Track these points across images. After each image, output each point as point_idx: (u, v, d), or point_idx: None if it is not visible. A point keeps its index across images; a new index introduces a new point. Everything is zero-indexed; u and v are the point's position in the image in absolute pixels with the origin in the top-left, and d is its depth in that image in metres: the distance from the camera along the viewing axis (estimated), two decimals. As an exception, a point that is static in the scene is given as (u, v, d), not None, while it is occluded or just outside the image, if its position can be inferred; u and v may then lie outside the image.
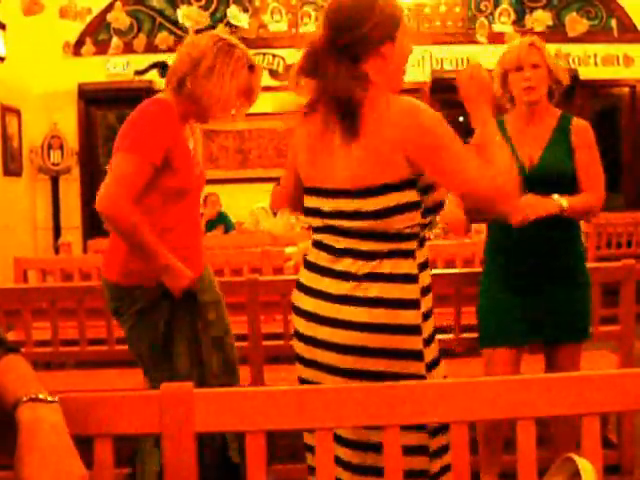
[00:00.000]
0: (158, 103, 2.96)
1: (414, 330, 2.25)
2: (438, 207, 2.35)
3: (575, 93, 9.79)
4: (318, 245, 2.38)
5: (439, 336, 3.57)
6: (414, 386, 1.59)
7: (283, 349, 3.66)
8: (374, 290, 2.22)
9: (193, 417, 1.52)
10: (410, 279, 2.26)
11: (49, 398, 1.34)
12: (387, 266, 2.24)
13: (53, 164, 9.27)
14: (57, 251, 8.36)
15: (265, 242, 6.53)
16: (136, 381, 3.61)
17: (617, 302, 3.59)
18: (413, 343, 2.24)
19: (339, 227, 2.30)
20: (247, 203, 8.37)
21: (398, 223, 2.23)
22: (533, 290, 3.17)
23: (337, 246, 2.30)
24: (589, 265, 3.38)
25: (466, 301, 3.64)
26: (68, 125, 9.43)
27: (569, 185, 3.15)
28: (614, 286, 3.55)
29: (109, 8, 8.53)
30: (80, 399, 1.52)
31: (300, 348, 2.38)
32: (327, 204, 2.32)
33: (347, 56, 2.26)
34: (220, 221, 8.36)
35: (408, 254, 2.27)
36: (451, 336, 3.66)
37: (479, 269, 3.55)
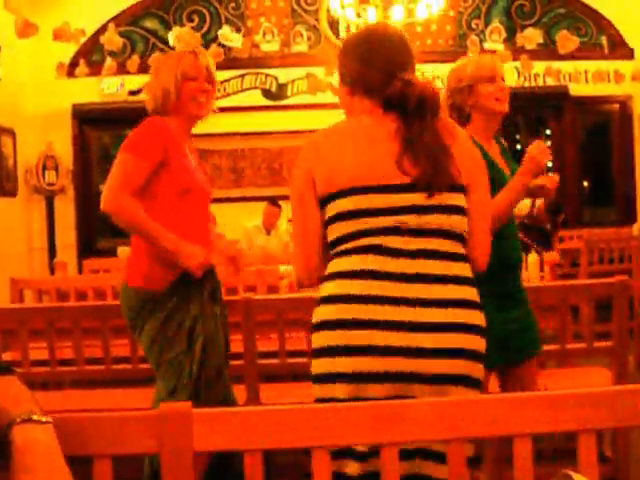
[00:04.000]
0: (150, 119, 3.17)
1: (486, 332, 2.29)
2: None
3: (566, 109, 9.85)
4: (375, 249, 2.22)
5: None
6: (412, 405, 1.59)
7: (278, 367, 3.66)
8: (451, 292, 2.22)
9: (192, 436, 1.52)
10: (473, 283, 2.30)
11: (43, 419, 1.33)
12: (464, 269, 2.28)
13: (48, 184, 9.27)
14: (53, 271, 8.35)
15: (259, 261, 6.54)
16: (134, 400, 3.61)
17: (609, 318, 3.60)
18: (485, 344, 2.29)
19: (411, 225, 2.23)
20: (241, 222, 8.37)
21: (464, 224, 2.30)
22: (504, 307, 3.13)
23: (407, 247, 2.22)
24: (583, 282, 3.39)
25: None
26: (63, 145, 9.44)
27: None
28: (606, 302, 3.56)
29: (102, 30, 8.55)
30: (79, 419, 1.52)
31: (391, 364, 2.17)
32: (400, 199, 2.24)
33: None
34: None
35: (467, 258, 2.32)
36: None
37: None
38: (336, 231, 2.28)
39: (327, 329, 2.24)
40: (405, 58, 2.44)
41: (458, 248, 2.27)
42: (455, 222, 2.26)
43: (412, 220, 2.23)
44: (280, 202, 8.11)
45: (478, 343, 2.23)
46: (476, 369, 2.23)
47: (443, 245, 2.24)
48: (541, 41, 8.73)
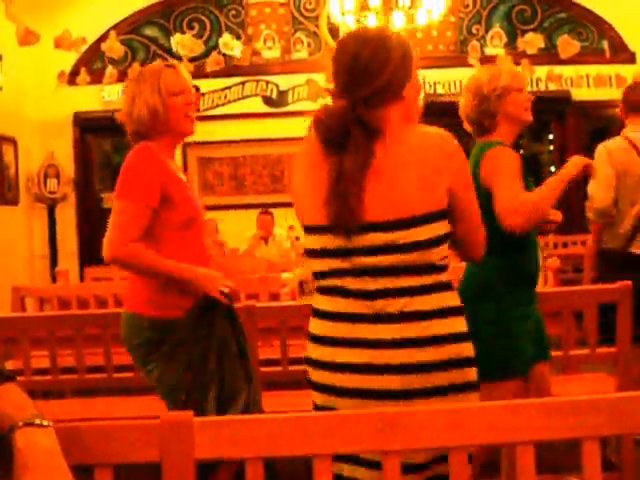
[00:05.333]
0: (140, 148, 3.01)
1: (471, 363, 2.20)
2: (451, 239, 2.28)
3: (568, 114, 9.84)
4: (335, 291, 2.22)
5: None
6: (416, 412, 1.59)
7: (281, 375, 3.65)
8: (422, 328, 2.12)
9: (193, 445, 1.51)
10: (458, 311, 2.21)
11: (44, 422, 1.35)
12: (432, 301, 2.15)
13: (50, 192, 9.28)
14: (54, 279, 8.35)
15: (262, 268, 6.54)
16: (135, 409, 3.61)
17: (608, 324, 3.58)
18: (472, 374, 2.19)
19: (366, 265, 2.16)
20: (243, 229, 8.37)
21: (433, 255, 2.14)
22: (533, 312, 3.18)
23: (365, 288, 2.16)
24: (585, 287, 3.39)
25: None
26: (64, 153, 9.45)
27: None
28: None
29: (103, 37, 8.57)
30: (80, 428, 1.52)
31: (346, 404, 2.17)
32: (354, 240, 2.16)
33: (368, 109, 2.18)
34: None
35: (449, 286, 2.21)
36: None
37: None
38: (309, 266, 2.32)
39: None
40: (357, 77, 2.21)
41: (425, 280, 2.15)
42: (416, 257, 2.13)
43: (368, 260, 2.16)
44: (272, 210, 8.13)
45: (413, 382, 2.13)
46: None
47: (405, 281, 2.15)
48: (542, 46, 8.71)
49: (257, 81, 9.55)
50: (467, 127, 3.32)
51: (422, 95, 2.46)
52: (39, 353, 3.87)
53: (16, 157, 8.91)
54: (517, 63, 8.19)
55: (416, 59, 2.33)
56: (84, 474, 1.51)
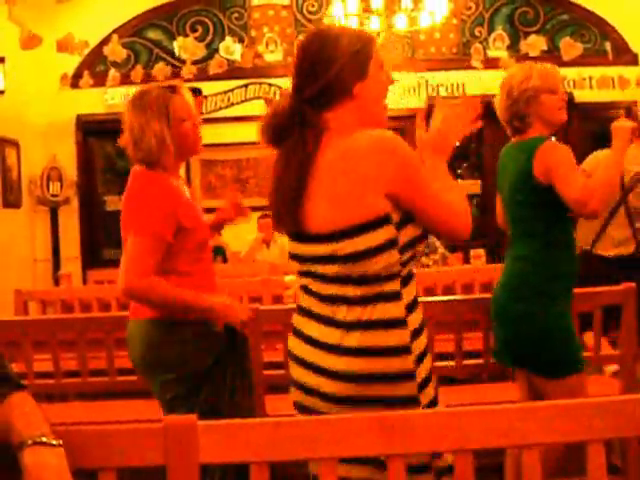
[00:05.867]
0: (152, 178, 2.97)
1: (407, 377, 2.14)
2: (417, 241, 2.21)
3: (571, 116, 9.83)
4: (305, 289, 2.29)
5: (440, 363, 3.59)
6: (419, 415, 1.58)
7: (285, 378, 3.64)
8: (362, 338, 2.11)
9: (197, 449, 1.51)
10: (398, 324, 2.14)
11: (54, 442, 1.35)
12: (373, 312, 2.12)
13: (52, 195, 9.28)
14: (57, 282, 8.35)
15: (264, 271, 6.53)
16: (139, 412, 3.61)
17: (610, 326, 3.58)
18: (407, 389, 2.14)
19: (317, 273, 2.20)
20: (245, 232, 8.36)
21: (375, 264, 2.10)
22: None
23: (321, 292, 2.20)
24: (591, 289, 3.38)
25: (466, 328, 3.63)
26: (67, 156, 9.45)
27: None
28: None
29: (106, 41, 8.58)
30: (84, 432, 1.52)
31: (296, 395, 2.29)
32: (304, 249, 2.22)
33: (314, 108, 2.17)
34: (219, 252, 8.33)
35: (393, 296, 2.15)
36: (452, 363, 3.64)
37: (478, 295, 3.54)
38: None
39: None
40: (303, 77, 2.21)
41: (367, 290, 2.13)
42: (356, 267, 2.12)
43: (315, 268, 2.21)
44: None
45: (359, 389, 2.13)
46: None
47: (349, 290, 2.15)
48: (545, 48, 8.71)
49: (260, 84, 9.55)
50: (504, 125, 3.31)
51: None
52: (42, 356, 3.87)
53: (19, 160, 8.91)
54: (519, 65, 8.19)
55: (382, 59, 2.26)
56: (88, 478, 1.51)
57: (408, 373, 2.14)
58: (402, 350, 2.14)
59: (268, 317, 3.59)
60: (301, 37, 2.33)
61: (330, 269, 2.16)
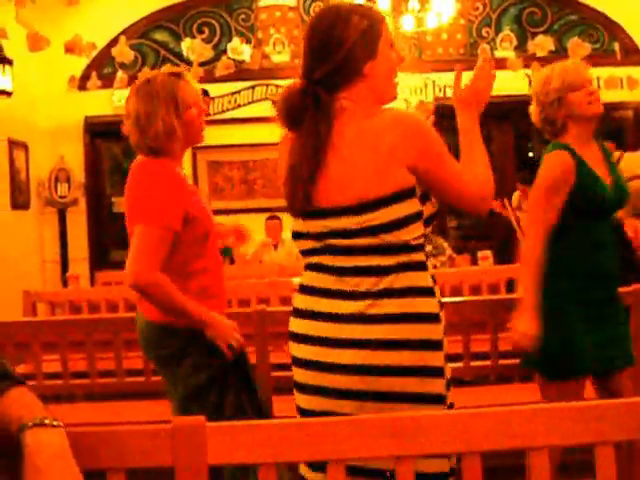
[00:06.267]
0: (158, 167, 2.93)
1: (437, 345, 2.16)
2: (434, 217, 2.26)
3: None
4: (316, 267, 2.27)
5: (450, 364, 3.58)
6: (428, 417, 1.58)
7: (292, 380, 3.64)
8: (393, 306, 2.12)
9: (206, 450, 1.51)
10: (428, 292, 2.17)
11: (54, 423, 1.35)
12: (403, 280, 2.14)
13: (60, 197, 9.30)
14: (65, 284, 8.37)
15: (272, 272, 6.54)
16: (147, 413, 3.61)
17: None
18: (436, 359, 2.15)
19: (339, 246, 2.19)
20: (253, 234, 8.36)
21: (405, 234, 2.14)
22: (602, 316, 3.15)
23: (341, 265, 2.19)
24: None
25: (474, 329, 3.63)
26: (75, 158, 9.47)
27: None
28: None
29: (113, 42, 8.59)
30: (92, 433, 1.52)
31: (304, 376, 2.27)
32: (323, 224, 2.21)
33: (326, 89, 2.19)
34: (226, 254, 8.32)
35: (421, 266, 2.18)
36: (460, 364, 3.64)
37: (486, 297, 3.53)
38: (296, 246, 2.39)
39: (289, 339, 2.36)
40: (313, 57, 2.24)
41: (396, 259, 2.15)
42: (384, 239, 2.14)
43: (338, 242, 2.20)
44: (281, 214, 8.08)
45: (384, 358, 2.12)
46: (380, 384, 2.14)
47: (376, 260, 2.16)
48: (552, 48, 8.68)
49: (267, 85, 9.55)
50: None
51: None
52: (50, 357, 3.88)
53: (27, 162, 8.93)
54: (527, 66, 8.18)
55: (391, 37, 2.28)
56: (96, 479, 1.52)
57: (438, 342, 2.17)
58: (434, 318, 2.17)
59: (275, 319, 3.59)
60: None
61: (357, 241, 2.16)
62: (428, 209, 2.21)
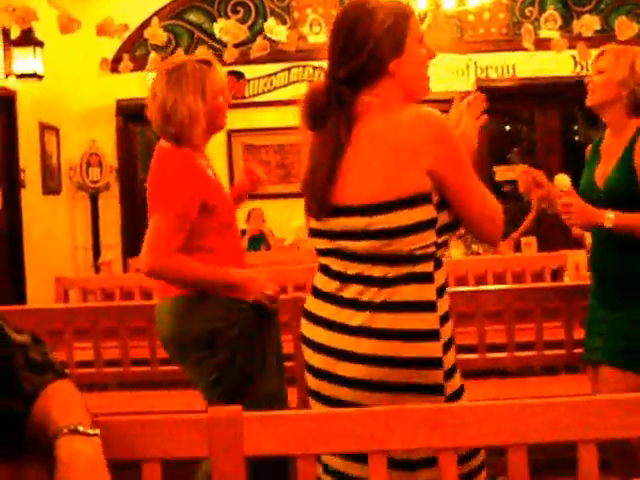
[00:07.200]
0: (178, 156, 2.98)
1: (435, 363, 2.12)
2: (454, 226, 2.21)
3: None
4: (324, 270, 2.26)
5: (490, 355, 3.56)
6: (468, 408, 1.57)
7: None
8: (390, 321, 2.10)
9: (242, 440, 1.51)
10: (428, 307, 2.13)
11: (90, 431, 1.33)
12: (403, 293, 2.11)
13: (92, 182, 9.35)
14: (97, 270, 8.43)
15: (309, 259, 6.52)
16: (180, 403, 3.62)
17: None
18: (434, 377, 2.12)
19: (346, 250, 2.18)
20: (289, 219, 8.36)
21: (410, 243, 2.09)
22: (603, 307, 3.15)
23: (345, 271, 2.18)
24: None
25: (517, 318, 3.60)
26: (107, 142, 9.52)
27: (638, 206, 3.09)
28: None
29: (146, 24, 8.61)
30: (127, 422, 1.53)
31: (312, 383, 2.26)
32: (335, 223, 2.20)
33: (351, 89, 2.16)
34: (260, 240, 8.32)
35: (425, 278, 2.14)
36: (504, 355, 3.61)
37: (529, 284, 3.50)
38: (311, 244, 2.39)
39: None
40: (337, 56, 2.21)
41: (398, 271, 2.12)
42: (389, 244, 2.11)
43: (346, 244, 2.18)
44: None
45: (380, 374, 2.11)
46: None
47: (378, 270, 2.13)
48: (599, 28, 8.56)
49: (304, 67, 9.53)
50: None
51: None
52: (83, 345, 3.90)
53: (58, 146, 9.00)
54: (572, 46, 8.09)
55: (420, 32, 2.24)
56: (131, 469, 1.52)
57: (436, 360, 2.13)
58: (431, 335, 2.12)
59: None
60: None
61: (361, 245, 2.14)
62: (444, 217, 2.16)
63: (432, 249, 2.14)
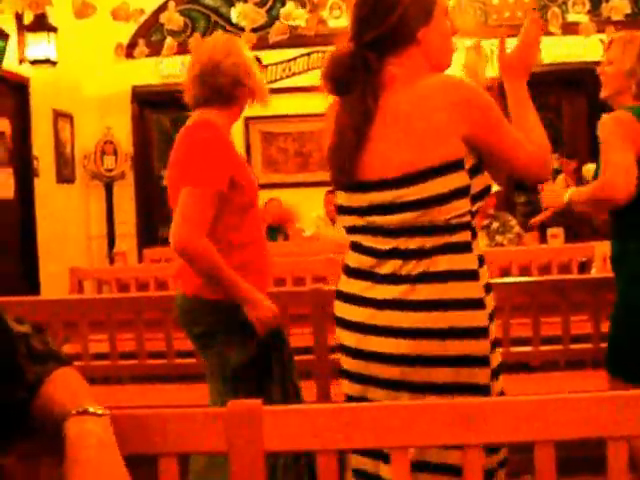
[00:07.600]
0: (208, 128, 2.98)
1: (481, 333, 2.11)
2: (485, 192, 2.20)
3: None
4: (357, 248, 2.26)
5: (515, 349, 3.55)
6: (495, 403, 1.56)
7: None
8: (431, 291, 2.09)
9: (261, 435, 1.51)
10: (471, 275, 2.12)
11: (99, 411, 1.33)
12: (443, 263, 2.10)
13: (107, 170, 9.37)
14: (112, 260, 8.46)
15: (329, 249, 6.51)
16: (196, 396, 3.63)
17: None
18: (480, 348, 2.11)
19: (379, 225, 2.18)
20: (308, 209, 8.35)
21: (446, 212, 2.09)
22: None
23: (380, 247, 2.17)
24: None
25: (543, 311, 3.58)
26: (122, 129, 9.53)
27: None
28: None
29: (162, 8, 8.61)
30: (143, 416, 1.53)
31: (348, 363, 2.27)
32: (365, 198, 2.20)
33: (377, 53, 2.17)
34: (279, 230, 8.31)
35: (464, 247, 2.14)
36: (529, 349, 3.60)
37: (556, 277, 3.48)
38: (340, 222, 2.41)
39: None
40: (364, 20, 2.21)
41: (435, 241, 2.12)
42: (424, 215, 2.11)
43: (379, 219, 2.17)
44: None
45: (423, 347, 2.11)
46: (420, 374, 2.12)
47: (415, 242, 2.13)
48: (629, 11, 8.49)
49: (323, 52, 9.47)
50: None
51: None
52: (98, 337, 3.92)
53: (72, 134, 9.02)
54: (601, 30, 8.02)
55: (445, 5, 2.27)
56: (147, 464, 1.52)
57: (482, 329, 2.12)
58: (476, 304, 2.12)
59: (333, 298, 3.56)
60: None
61: (394, 219, 2.14)
62: (478, 183, 2.16)
63: (467, 218, 2.15)
